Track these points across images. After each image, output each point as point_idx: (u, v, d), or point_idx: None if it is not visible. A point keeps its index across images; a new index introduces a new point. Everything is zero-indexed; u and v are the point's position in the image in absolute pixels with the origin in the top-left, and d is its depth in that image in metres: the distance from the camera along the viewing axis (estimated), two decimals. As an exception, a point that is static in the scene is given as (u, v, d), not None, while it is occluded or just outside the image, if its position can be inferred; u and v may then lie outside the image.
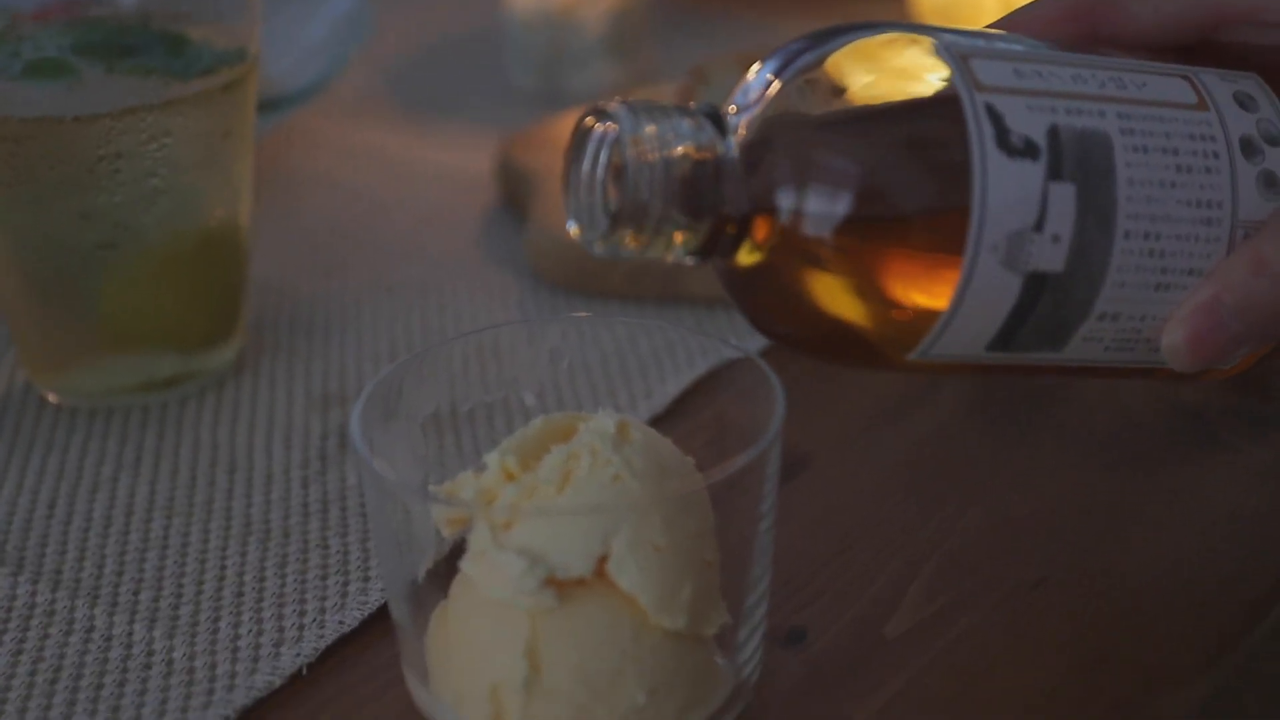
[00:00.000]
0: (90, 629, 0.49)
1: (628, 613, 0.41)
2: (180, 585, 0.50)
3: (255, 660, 0.47)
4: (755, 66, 0.45)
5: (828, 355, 0.46)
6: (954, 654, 0.46)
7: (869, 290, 0.43)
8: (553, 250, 0.68)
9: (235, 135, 0.59)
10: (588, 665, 0.41)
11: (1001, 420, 0.57)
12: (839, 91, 0.43)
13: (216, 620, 0.49)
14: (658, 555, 0.41)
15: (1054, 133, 0.42)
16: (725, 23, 1.00)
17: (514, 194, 0.76)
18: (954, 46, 0.43)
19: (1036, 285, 0.42)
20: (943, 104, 0.42)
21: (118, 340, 0.60)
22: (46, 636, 0.48)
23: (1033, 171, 0.42)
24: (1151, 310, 0.44)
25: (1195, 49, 0.48)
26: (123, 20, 0.56)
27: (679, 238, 0.43)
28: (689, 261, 0.44)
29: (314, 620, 0.48)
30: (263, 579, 0.50)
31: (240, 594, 0.50)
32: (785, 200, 0.42)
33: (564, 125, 0.79)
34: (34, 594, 0.50)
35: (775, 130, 0.43)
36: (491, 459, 0.43)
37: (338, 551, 0.51)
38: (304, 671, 0.46)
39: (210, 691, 0.46)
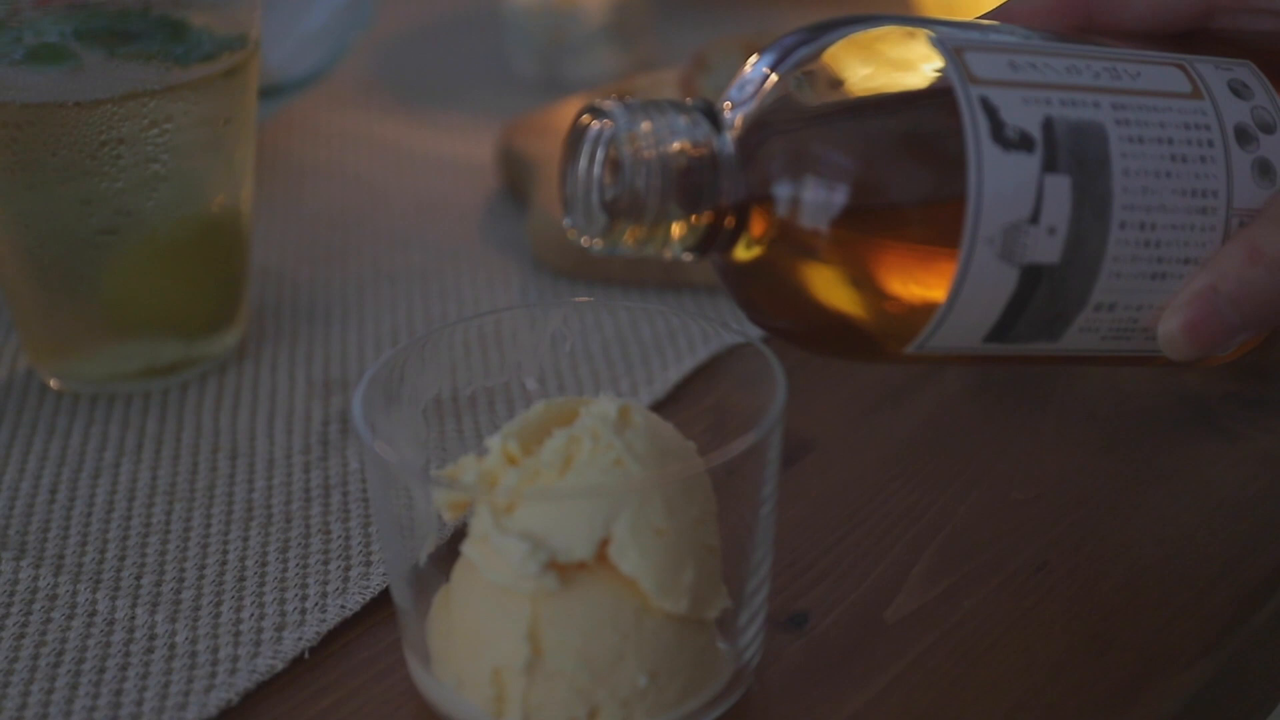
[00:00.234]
0: (93, 613, 0.49)
1: (629, 597, 0.41)
2: (182, 570, 0.50)
3: (257, 644, 0.47)
4: (751, 60, 0.45)
5: (827, 348, 0.46)
6: (955, 638, 0.46)
7: (867, 283, 0.43)
8: (555, 236, 0.68)
9: (236, 121, 0.59)
10: (589, 649, 0.41)
11: (1003, 404, 0.58)
12: (836, 84, 0.43)
13: (218, 604, 0.49)
14: (659, 539, 0.41)
15: (1049, 125, 0.42)
16: (726, 9, 1.00)
17: (515, 181, 0.77)
18: (949, 39, 0.43)
19: (1033, 277, 0.42)
20: (938, 97, 0.42)
21: (120, 326, 0.60)
22: (49, 621, 0.48)
23: (1028, 164, 0.42)
24: (1148, 300, 0.44)
25: (1189, 36, 0.48)
26: (124, 6, 0.56)
27: (676, 234, 0.43)
28: (687, 258, 0.44)
29: (315, 604, 0.48)
30: (264, 564, 0.50)
31: (242, 578, 0.50)
32: (782, 193, 0.42)
33: (565, 112, 0.79)
34: (36, 579, 0.50)
35: (772, 123, 0.43)
36: (493, 443, 0.43)
37: (339, 536, 0.52)
38: (306, 655, 0.47)
39: (212, 675, 0.46)
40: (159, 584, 0.50)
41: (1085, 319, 0.44)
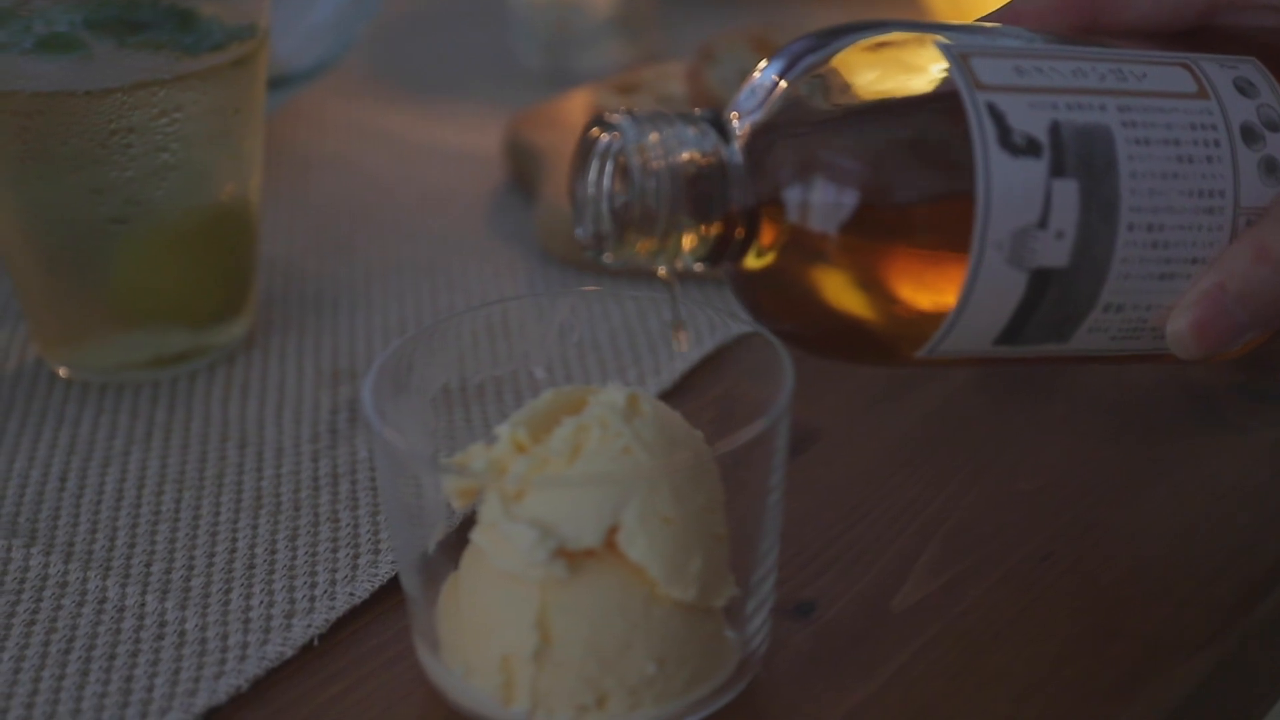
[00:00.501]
0: (103, 600, 0.49)
1: (637, 584, 0.41)
2: (192, 557, 0.51)
3: (267, 631, 0.47)
4: (759, 67, 0.45)
5: (839, 353, 0.46)
6: (961, 627, 0.46)
7: (877, 287, 0.43)
8: (562, 227, 0.68)
9: (245, 111, 0.59)
10: (597, 636, 0.41)
11: (1009, 396, 0.58)
12: (844, 91, 0.43)
13: (228, 592, 0.49)
14: (667, 527, 0.41)
15: (1056, 129, 0.42)
16: (733, 1, 1.00)
17: (522, 172, 0.77)
18: (955, 45, 0.43)
19: (1042, 281, 0.43)
20: (945, 104, 0.42)
21: (129, 315, 0.60)
22: (59, 608, 0.49)
23: (1036, 169, 0.42)
24: (1156, 300, 0.44)
25: (1194, 34, 0.48)
26: (133, -5, 0.57)
27: (687, 244, 0.43)
28: (698, 268, 0.44)
29: (325, 592, 0.49)
30: (274, 551, 0.51)
31: (251, 566, 0.50)
32: (792, 198, 0.43)
33: (571, 104, 0.79)
34: (46, 566, 0.50)
35: (781, 130, 0.43)
36: (502, 431, 0.43)
37: (348, 525, 0.52)
38: (315, 642, 0.47)
39: (222, 662, 0.46)
40: (169, 571, 0.50)
41: (1094, 320, 0.44)
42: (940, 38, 0.44)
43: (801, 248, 0.43)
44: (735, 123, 0.44)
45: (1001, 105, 0.42)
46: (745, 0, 1.00)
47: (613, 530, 0.41)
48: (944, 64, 0.43)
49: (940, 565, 0.49)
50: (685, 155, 0.43)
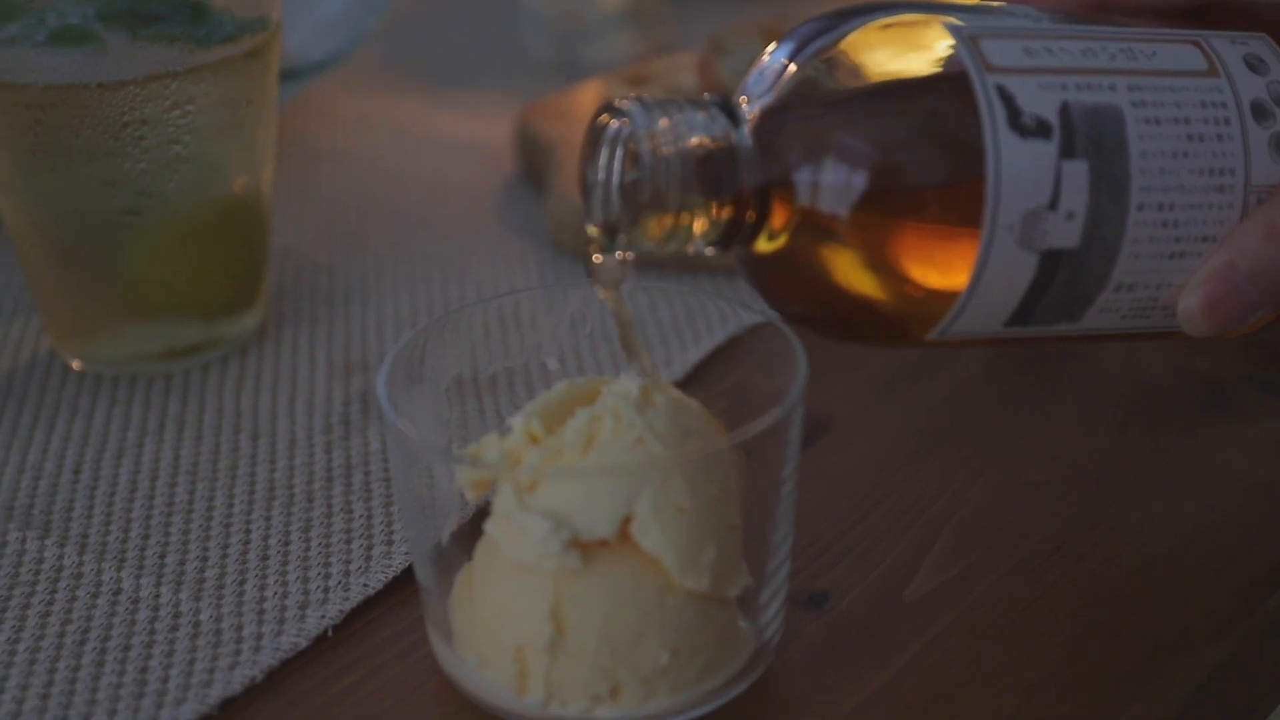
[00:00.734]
0: (117, 591, 0.49)
1: (651, 574, 0.42)
2: (205, 549, 0.51)
3: (281, 622, 0.47)
4: (768, 50, 0.45)
5: (851, 335, 0.46)
6: (973, 617, 0.46)
7: (888, 268, 0.43)
8: (573, 219, 0.68)
9: (257, 103, 0.59)
10: (611, 626, 0.41)
11: (1019, 387, 0.58)
12: (853, 73, 0.43)
13: (242, 583, 0.49)
14: (681, 517, 0.41)
15: (1065, 110, 0.42)
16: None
17: (533, 164, 0.77)
18: (964, 27, 0.43)
19: (1053, 262, 0.43)
20: (955, 86, 0.42)
21: (141, 307, 0.60)
22: (74, 599, 0.49)
23: (1046, 151, 0.42)
24: (1167, 279, 0.44)
25: (1204, 11, 0.48)
26: (146, -12, 0.57)
27: (698, 228, 0.43)
28: (709, 252, 0.44)
29: (338, 583, 0.49)
30: (287, 543, 0.51)
31: (265, 557, 0.50)
32: (803, 179, 0.43)
33: (582, 95, 0.79)
34: (61, 557, 0.51)
35: (791, 113, 0.43)
36: (515, 422, 0.43)
37: (361, 516, 0.52)
38: (329, 633, 0.47)
39: (237, 652, 0.46)
40: (183, 563, 0.50)
41: (1105, 300, 0.44)
42: (949, 19, 0.44)
43: (813, 229, 0.43)
44: (744, 106, 0.44)
45: (1011, 87, 0.42)
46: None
47: (626, 521, 0.41)
48: (953, 46, 0.43)
49: (952, 556, 0.49)
50: (695, 140, 0.43)
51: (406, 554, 0.50)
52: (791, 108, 0.43)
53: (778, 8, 0.90)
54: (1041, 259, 0.42)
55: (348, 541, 0.51)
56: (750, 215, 0.43)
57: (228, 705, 0.45)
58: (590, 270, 0.45)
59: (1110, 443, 0.54)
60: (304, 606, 0.48)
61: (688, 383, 0.58)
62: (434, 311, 0.65)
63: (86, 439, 0.57)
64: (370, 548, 0.50)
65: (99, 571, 0.50)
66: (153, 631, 0.47)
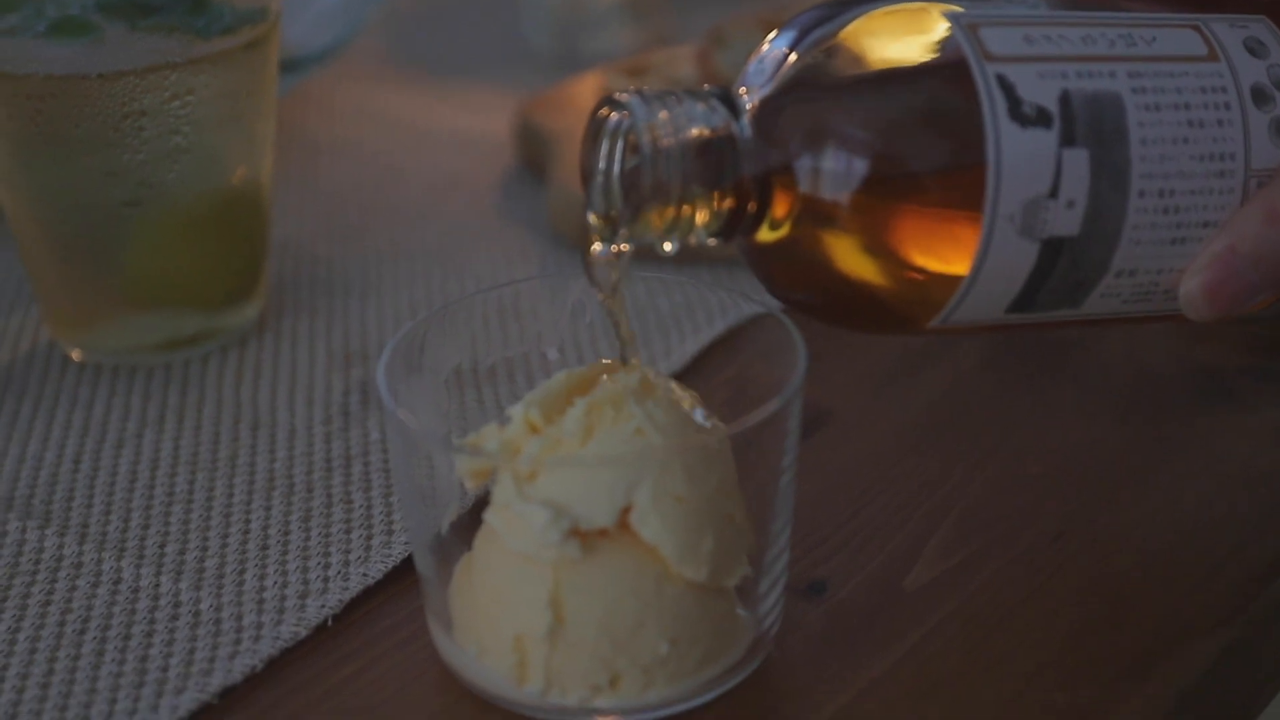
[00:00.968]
0: (118, 580, 0.49)
1: (650, 564, 0.42)
2: (205, 538, 0.51)
3: (281, 612, 0.47)
4: (769, 39, 0.45)
5: (853, 324, 0.46)
6: (972, 607, 0.46)
7: (889, 255, 0.43)
8: (574, 210, 0.68)
9: (257, 95, 0.59)
10: (610, 616, 0.41)
11: (1019, 377, 0.58)
12: (853, 63, 0.43)
13: (242, 573, 0.49)
14: (680, 507, 0.41)
15: (1066, 98, 0.42)
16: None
17: (533, 155, 0.77)
18: (964, 16, 0.43)
19: (1053, 250, 0.43)
20: (955, 76, 0.42)
21: (141, 298, 0.60)
22: (74, 588, 0.49)
23: (1046, 140, 0.42)
24: (1168, 264, 0.44)
25: None
26: (144, -22, 0.57)
27: (700, 220, 0.43)
28: (711, 244, 0.44)
29: (338, 573, 0.49)
30: (287, 533, 0.51)
31: (265, 547, 0.50)
32: (804, 167, 0.43)
33: (583, 87, 0.79)
34: (61, 546, 0.51)
35: (792, 101, 0.43)
36: (515, 412, 0.43)
37: (361, 506, 0.52)
38: (329, 623, 0.47)
39: (237, 642, 0.46)
40: (182, 552, 0.50)
41: (1106, 286, 0.44)
42: (949, 7, 0.44)
43: (814, 217, 0.43)
44: (744, 97, 0.44)
45: (1011, 76, 0.42)
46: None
47: (626, 510, 0.41)
48: (953, 34, 0.43)
49: (951, 546, 0.49)
50: (695, 131, 0.43)
51: (406, 544, 0.50)
52: (792, 96, 0.43)
53: (777, 0, 0.90)
54: (1042, 247, 0.42)
55: (347, 531, 0.51)
56: (752, 205, 0.44)
57: (228, 694, 0.45)
58: (588, 266, 0.45)
59: (1111, 433, 0.54)
60: (304, 596, 0.48)
61: (687, 373, 0.58)
62: (433, 303, 0.65)
63: (86, 429, 0.57)
64: (370, 537, 0.50)
65: (99, 561, 0.50)
66: (153, 621, 0.47)
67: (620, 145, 0.43)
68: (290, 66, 0.79)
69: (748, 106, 0.44)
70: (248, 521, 0.52)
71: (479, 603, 0.43)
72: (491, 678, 0.43)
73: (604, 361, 0.45)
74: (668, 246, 0.44)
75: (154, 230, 0.59)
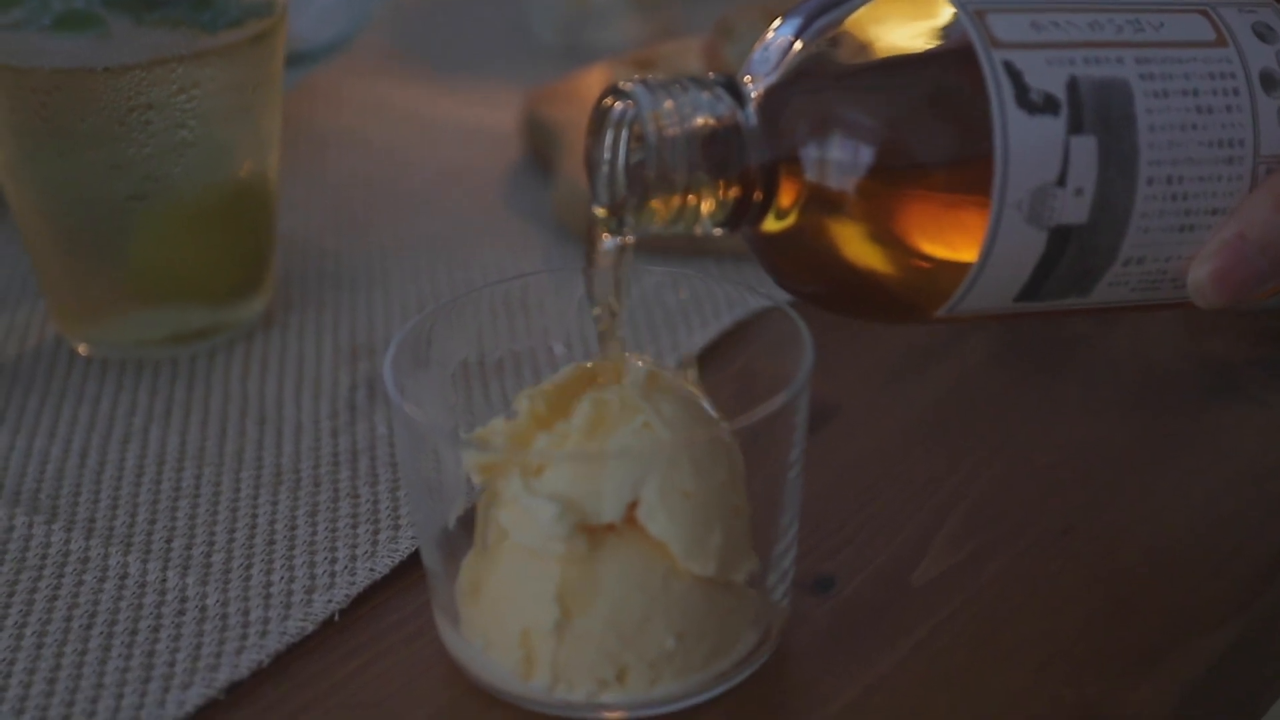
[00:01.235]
0: (124, 576, 0.49)
1: (657, 559, 0.41)
2: (212, 533, 0.51)
3: (288, 606, 0.47)
4: (774, 26, 0.45)
5: (860, 313, 0.46)
6: (980, 601, 0.46)
7: (897, 246, 0.43)
8: (580, 203, 0.68)
9: (263, 88, 0.59)
10: (617, 611, 0.41)
11: (1027, 371, 0.58)
12: (859, 51, 0.43)
13: (249, 567, 0.49)
14: (687, 501, 0.41)
15: (1073, 85, 0.42)
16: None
17: (539, 148, 0.77)
18: (970, 1, 0.43)
19: (1061, 238, 0.43)
20: (961, 63, 0.42)
21: (147, 292, 0.60)
22: (81, 584, 0.49)
23: (1054, 127, 0.42)
24: (1177, 252, 0.44)
25: None
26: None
27: (706, 209, 0.43)
28: (717, 233, 0.44)
29: (345, 567, 0.49)
30: (294, 527, 0.51)
31: (272, 542, 0.50)
32: (810, 155, 0.42)
33: (588, 79, 0.79)
34: (67, 542, 0.51)
35: (797, 89, 0.43)
36: (522, 406, 0.43)
37: (368, 500, 0.52)
38: (336, 617, 0.47)
39: (244, 637, 0.46)
40: (189, 547, 0.50)
41: (1114, 274, 0.44)
42: None
43: (821, 206, 0.43)
44: (749, 85, 0.44)
45: (1018, 63, 0.42)
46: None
47: (633, 505, 0.41)
48: (959, 21, 0.43)
49: (959, 540, 0.49)
50: (700, 120, 0.43)
51: (413, 538, 0.50)
52: (798, 84, 0.43)
53: (784, -9, 0.90)
54: (1050, 235, 0.42)
55: (354, 526, 0.51)
56: (758, 194, 0.43)
57: (234, 689, 0.45)
58: (587, 280, 0.44)
59: (1118, 428, 0.54)
60: (310, 591, 0.48)
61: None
62: (440, 297, 0.65)
63: (93, 424, 0.57)
64: (377, 532, 0.50)
65: (105, 556, 0.50)
66: (159, 616, 0.47)
67: (625, 135, 0.43)
68: (297, 60, 0.78)
69: (753, 95, 0.43)
70: (254, 516, 0.51)
71: (486, 597, 0.43)
72: (498, 672, 0.43)
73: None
74: (675, 233, 0.44)
75: (160, 224, 0.59)
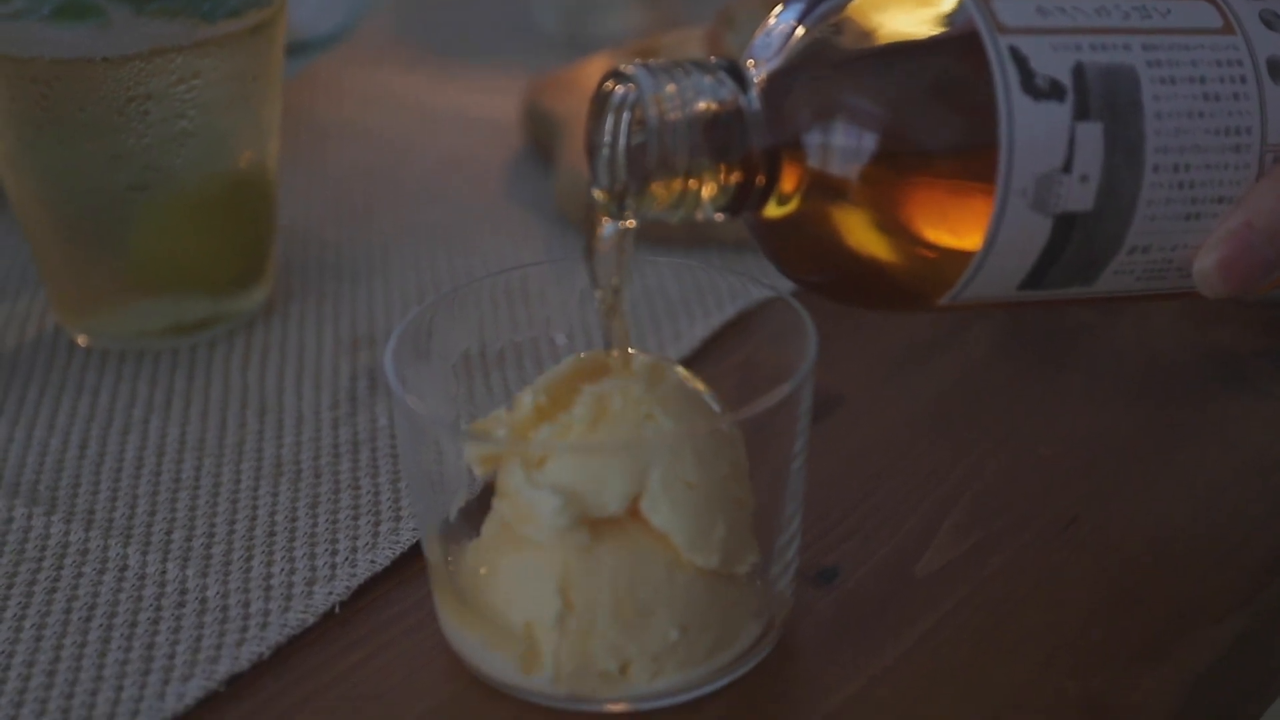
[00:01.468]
0: (124, 568, 0.49)
1: (660, 551, 0.41)
2: (212, 525, 0.51)
3: (288, 599, 0.47)
4: (775, 11, 0.44)
5: (863, 301, 0.46)
6: (984, 593, 0.46)
7: (900, 233, 0.43)
8: (581, 193, 0.67)
9: (263, 78, 0.59)
10: (620, 603, 0.41)
11: (1032, 361, 0.57)
12: (863, 35, 0.43)
13: (249, 559, 0.49)
14: (690, 493, 0.41)
15: (1079, 71, 0.42)
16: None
17: (540, 138, 0.76)
18: None
19: (1067, 225, 0.42)
20: (967, 48, 0.42)
21: (147, 283, 0.60)
22: (80, 576, 0.49)
23: (1059, 113, 0.41)
24: (1183, 240, 0.44)
25: None
26: (149, -38, 0.56)
27: (707, 194, 0.43)
28: (718, 218, 0.44)
29: (346, 559, 0.48)
30: (294, 519, 0.51)
31: (272, 533, 0.50)
32: (813, 141, 0.42)
33: (590, 69, 0.79)
34: (67, 534, 0.50)
35: (800, 75, 0.43)
36: (524, 397, 0.43)
37: (368, 492, 0.52)
38: (337, 610, 0.47)
39: (244, 629, 0.46)
40: (189, 539, 0.50)
41: (1120, 263, 0.44)
42: None
43: (823, 192, 0.42)
44: (752, 70, 0.43)
45: (1024, 48, 0.42)
46: (764, -35, 0.99)
47: (635, 497, 0.41)
48: (964, 6, 0.42)
49: (964, 531, 0.49)
50: (702, 104, 0.42)
51: (414, 530, 0.49)
52: (801, 69, 0.43)
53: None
54: (1055, 222, 0.42)
55: (355, 518, 0.50)
56: (760, 180, 0.43)
57: (234, 681, 0.44)
58: (589, 263, 0.44)
59: (1123, 418, 0.54)
60: (311, 583, 0.48)
61: (697, 358, 0.58)
62: (441, 286, 0.65)
63: (93, 415, 0.57)
64: (378, 524, 0.50)
65: (105, 548, 0.50)
66: (159, 608, 0.47)
67: (626, 118, 0.43)
68: (297, 49, 0.78)
69: (755, 79, 0.43)
70: (255, 508, 0.51)
71: (488, 590, 0.43)
72: (500, 665, 0.43)
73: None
74: (675, 220, 0.43)
75: (160, 214, 0.58)
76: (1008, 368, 0.57)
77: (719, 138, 0.42)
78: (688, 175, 0.42)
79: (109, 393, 0.58)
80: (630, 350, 0.44)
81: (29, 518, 0.51)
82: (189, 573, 0.48)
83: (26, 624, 0.47)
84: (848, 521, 0.49)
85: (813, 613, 0.46)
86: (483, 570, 0.43)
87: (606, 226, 0.44)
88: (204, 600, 0.47)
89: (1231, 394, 0.55)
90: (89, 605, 0.47)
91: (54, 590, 0.48)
